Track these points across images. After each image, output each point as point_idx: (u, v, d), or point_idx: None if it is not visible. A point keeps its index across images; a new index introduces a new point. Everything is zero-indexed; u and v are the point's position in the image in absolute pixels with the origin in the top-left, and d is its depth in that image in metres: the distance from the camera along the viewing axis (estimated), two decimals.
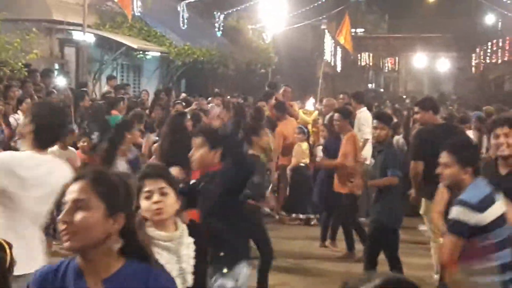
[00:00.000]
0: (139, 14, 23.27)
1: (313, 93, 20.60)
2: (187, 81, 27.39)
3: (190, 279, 4.05)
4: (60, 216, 2.59)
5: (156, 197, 4.02)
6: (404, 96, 40.70)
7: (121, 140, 8.44)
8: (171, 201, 4.07)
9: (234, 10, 29.46)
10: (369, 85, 54.17)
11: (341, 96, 15.10)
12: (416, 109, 9.78)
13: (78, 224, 2.54)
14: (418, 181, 8.95)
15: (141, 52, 23.61)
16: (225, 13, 29.37)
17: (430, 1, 62.17)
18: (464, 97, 40.56)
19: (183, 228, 4.17)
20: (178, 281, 3.86)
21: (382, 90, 56.35)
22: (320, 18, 37.97)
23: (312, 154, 13.44)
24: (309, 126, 14.55)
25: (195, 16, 27.96)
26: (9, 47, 15.09)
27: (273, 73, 30.45)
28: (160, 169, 4.34)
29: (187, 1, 26.20)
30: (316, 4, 33.57)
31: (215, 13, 29.28)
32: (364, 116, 13.08)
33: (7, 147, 10.29)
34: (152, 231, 4.02)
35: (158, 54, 24.62)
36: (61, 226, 2.56)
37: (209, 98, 18.06)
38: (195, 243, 4.19)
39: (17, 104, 12.78)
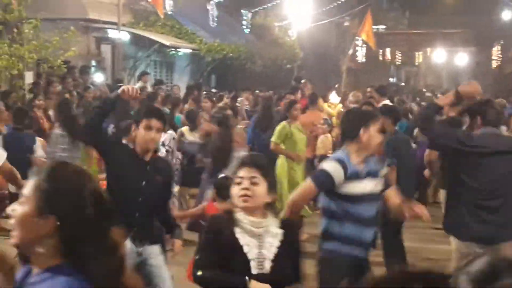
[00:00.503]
0: (171, 13, 23.35)
1: (337, 86, 20.53)
2: (216, 77, 27.44)
3: (268, 266, 3.93)
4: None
5: (245, 184, 3.95)
6: (424, 90, 40.37)
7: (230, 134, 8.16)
8: (260, 192, 3.96)
9: (262, 8, 29.47)
10: (391, 79, 53.85)
11: (368, 89, 15.01)
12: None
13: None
14: (433, 168, 8.90)
15: (173, 49, 23.71)
16: (253, 11, 29.42)
17: None
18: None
19: (273, 220, 4.05)
20: (253, 264, 3.91)
21: (403, 84, 56.02)
22: (343, 15, 37.89)
23: (335, 146, 13.29)
24: (334, 119, 14.49)
25: (224, 14, 27.99)
26: (48, 45, 15.20)
27: (299, 68, 30.38)
28: (257, 159, 4.23)
29: (216, 0, 26.24)
30: (339, 2, 33.48)
31: (243, 11, 29.35)
32: None
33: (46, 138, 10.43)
34: (238, 214, 3.99)
35: (189, 51, 24.68)
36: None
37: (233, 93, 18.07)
38: (288, 237, 4.05)
39: (58, 99, 12.88)
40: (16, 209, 2.37)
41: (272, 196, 4.03)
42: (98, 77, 18.66)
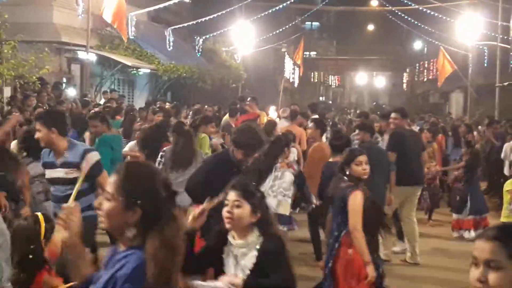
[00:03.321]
0: (133, 37, 23.18)
1: (274, 104, 20.64)
2: (172, 93, 27.33)
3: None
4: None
5: (228, 207, 3.79)
6: (346, 108, 40.89)
7: (278, 155, 7.44)
8: (240, 214, 3.76)
9: (211, 35, 29.45)
10: (320, 98, 54.43)
11: (293, 106, 15.08)
12: (393, 115, 9.47)
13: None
14: None
15: (134, 69, 23.52)
16: (204, 37, 29.39)
17: (369, 30, 62.68)
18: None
19: (255, 240, 3.78)
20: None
21: (330, 102, 56.66)
22: (281, 42, 38.16)
23: None
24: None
25: (179, 40, 27.92)
26: (25, 63, 14.94)
27: (243, 87, 30.51)
28: (240, 183, 3.98)
29: (172, 28, 26.19)
30: (277, 31, 33.72)
31: (195, 37, 29.32)
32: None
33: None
34: (229, 233, 3.85)
35: (148, 70, 24.52)
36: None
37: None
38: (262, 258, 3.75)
39: (33, 111, 12.66)
40: (104, 203, 2.51)
41: (256, 216, 3.80)
42: (69, 92, 18.43)
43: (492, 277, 2.10)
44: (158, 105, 16.70)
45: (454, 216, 11.07)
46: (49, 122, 5.78)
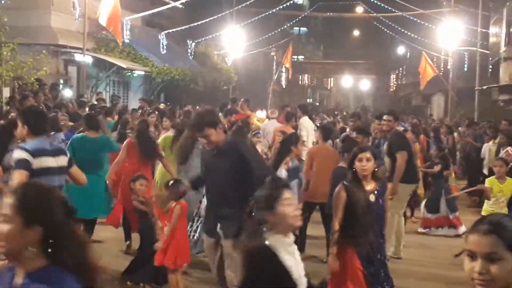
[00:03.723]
0: (127, 41, 23.08)
1: (264, 105, 20.66)
2: (165, 95, 27.24)
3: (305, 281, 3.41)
4: None
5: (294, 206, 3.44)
6: (332, 108, 40.97)
7: (288, 153, 7.83)
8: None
9: (203, 39, 29.43)
10: (308, 100, 54.45)
11: (288, 108, 14.92)
12: (386, 117, 9.47)
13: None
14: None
15: (129, 71, 23.48)
16: (196, 41, 29.35)
17: (355, 35, 62.85)
18: (380, 110, 40.99)
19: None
20: (304, 281, 3.43)
21: (317, 103, 56.72)
22: (270, 47, 38.16)
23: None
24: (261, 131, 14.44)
25: (172, 43, 27.84)
26: (24, 65, 14.90)
27: (233, 89, 30.46)
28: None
29: (166, 32, 26.13)
30: (267, 36, 33.76)
31: (188, 41, 29.25)
32: (305, 122, 12.85)
33: None
34: (279, 237, 3.39)
35: (143, 73, 24.47)
36: None
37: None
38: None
39: None
40: (1, 226, 2.35)
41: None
42: (66, 93, 18.36)
43: (495, 268, 2.16)
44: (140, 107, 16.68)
45: (426, 214, 11.16)
46: (23, 119, 5.68)
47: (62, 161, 5.66)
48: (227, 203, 5.54)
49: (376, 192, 5.83)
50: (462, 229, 10.58)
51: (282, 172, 7.62)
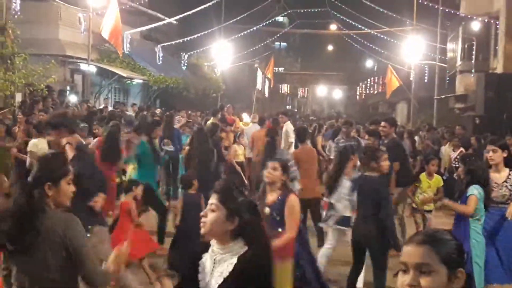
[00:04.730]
0: (127, 52, 23.06)
1: (248, 111, 20.71)
2: (160, 101, 27.22)
3: None
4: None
5: (204, 212, 2.79)
6: (308, 114, 41.04)
7: (347, 163, 6.90)
8: (213, 219, 2.71)
9: (195, 52, 29.50)
10: (287, 107, 54.57)
11: (280, 116, 14.37)
12: (383, 123, 8.98)
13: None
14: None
15: (128, 80, 23.45)
16: (189, 53, 29.39)
17: (329, 50, 63.10)
18: (351, 116, 41.23)
19: (237, 249, 2.72)
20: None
21: (296, 110, 56.88)
22: (254, 59, 38.28)
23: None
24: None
25: (167, 55, 27.85)
26: (34, 73, 14.91)
27: (221, 97, 30.47)
28: (219, 185, 2.85)
29: (161, 45, 26.14)
30: (251, 50, 33.87)
31: (181, 53, 29.26)
32: (289, 127, 12.67)
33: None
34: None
35: (141, 81, 24.44)
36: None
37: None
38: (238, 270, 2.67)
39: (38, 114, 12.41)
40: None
41: (233, 223, 2.72)
42: (72, 99, 18.30)
43: (425, 281, 1.87)
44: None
45: None
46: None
47: None
48: None
49: (275, 203, 5.05)
50: None
51: (347, 184, 6.75)
